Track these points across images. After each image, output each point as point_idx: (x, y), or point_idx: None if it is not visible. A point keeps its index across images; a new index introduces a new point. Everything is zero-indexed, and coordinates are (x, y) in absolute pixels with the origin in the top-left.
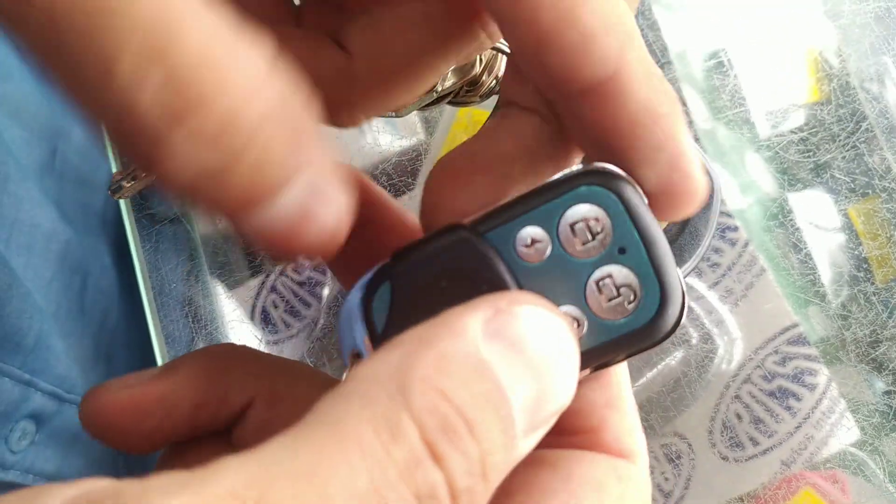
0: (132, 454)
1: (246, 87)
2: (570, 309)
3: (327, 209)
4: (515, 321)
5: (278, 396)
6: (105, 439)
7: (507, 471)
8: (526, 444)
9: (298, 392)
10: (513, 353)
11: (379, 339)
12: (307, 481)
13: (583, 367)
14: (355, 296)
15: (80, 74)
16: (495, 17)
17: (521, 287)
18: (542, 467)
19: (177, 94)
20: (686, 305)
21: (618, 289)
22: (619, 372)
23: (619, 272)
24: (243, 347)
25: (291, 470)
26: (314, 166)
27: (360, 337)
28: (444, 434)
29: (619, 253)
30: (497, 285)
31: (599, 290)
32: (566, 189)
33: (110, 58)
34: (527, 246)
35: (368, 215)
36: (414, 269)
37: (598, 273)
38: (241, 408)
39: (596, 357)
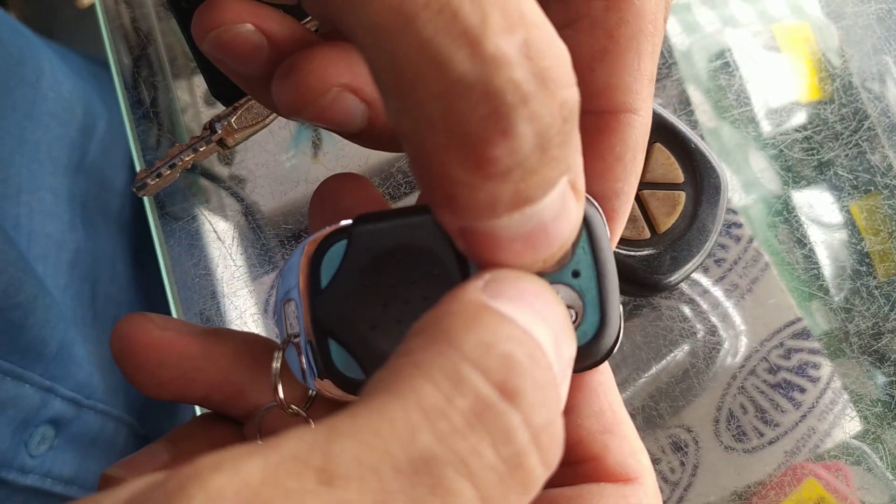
0: (141, 391)
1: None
2: None
3: (569, 218)
4: (507, 283)
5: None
6: (120, 365)
7: (561, 416)
8: (564, 391)
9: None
10: (518, 304)
11: (320, 293)
12: (368, 442)
13: None
14: (305, 249)
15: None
16: None
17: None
18: None
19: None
20: (620, 340)
21: None
22: (613, 399)
23: (567, 293)
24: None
25: (352, 433)
26: (571, 173)
27: (301, 288)
28: (511, 371)
29: (572, 276)
30: (448, 271)
31: None
32: None
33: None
34: None
35: None
36: (375, 235)
37: None
38: (254, 407)
39: None
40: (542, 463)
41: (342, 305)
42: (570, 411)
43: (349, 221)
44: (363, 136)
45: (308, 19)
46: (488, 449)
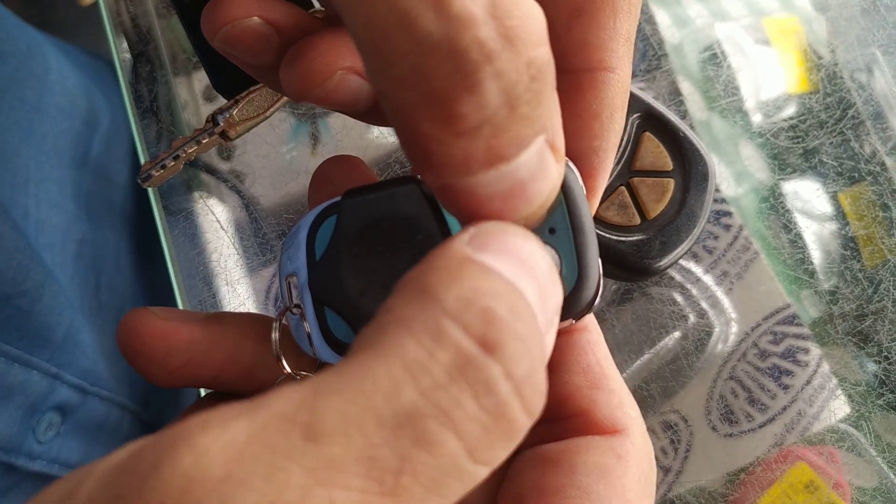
0: (152, 383)
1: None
2: None
3: (548, 177)
4: (492, 235)
5: None
6: (130, 360)
7: (544, 366)
8: (549, 339)
9: None
10: (502, 256)
11: (315, 265)
12: (353, 398)
13: None
14: (302, 226)
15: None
16: None
17: None
18: (545, 466)
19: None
20: (600, 293)
21: None
22: (601, 355)
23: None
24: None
25: (338, 390)
26: (548, 132)
27: (300, 262)
28: (491, 324)
29: (548, 232)
30: (431, 235)
31: None
32: None
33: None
34: None
35: None
36: (360, 207)
37: None
38: (264, 384)
39: None
40: (525, 412)
41: (334, 275)
42: (558, 368)
43: (339, 198)
44: (369, 114)
45: (314, 10)
46: (470, 400)
